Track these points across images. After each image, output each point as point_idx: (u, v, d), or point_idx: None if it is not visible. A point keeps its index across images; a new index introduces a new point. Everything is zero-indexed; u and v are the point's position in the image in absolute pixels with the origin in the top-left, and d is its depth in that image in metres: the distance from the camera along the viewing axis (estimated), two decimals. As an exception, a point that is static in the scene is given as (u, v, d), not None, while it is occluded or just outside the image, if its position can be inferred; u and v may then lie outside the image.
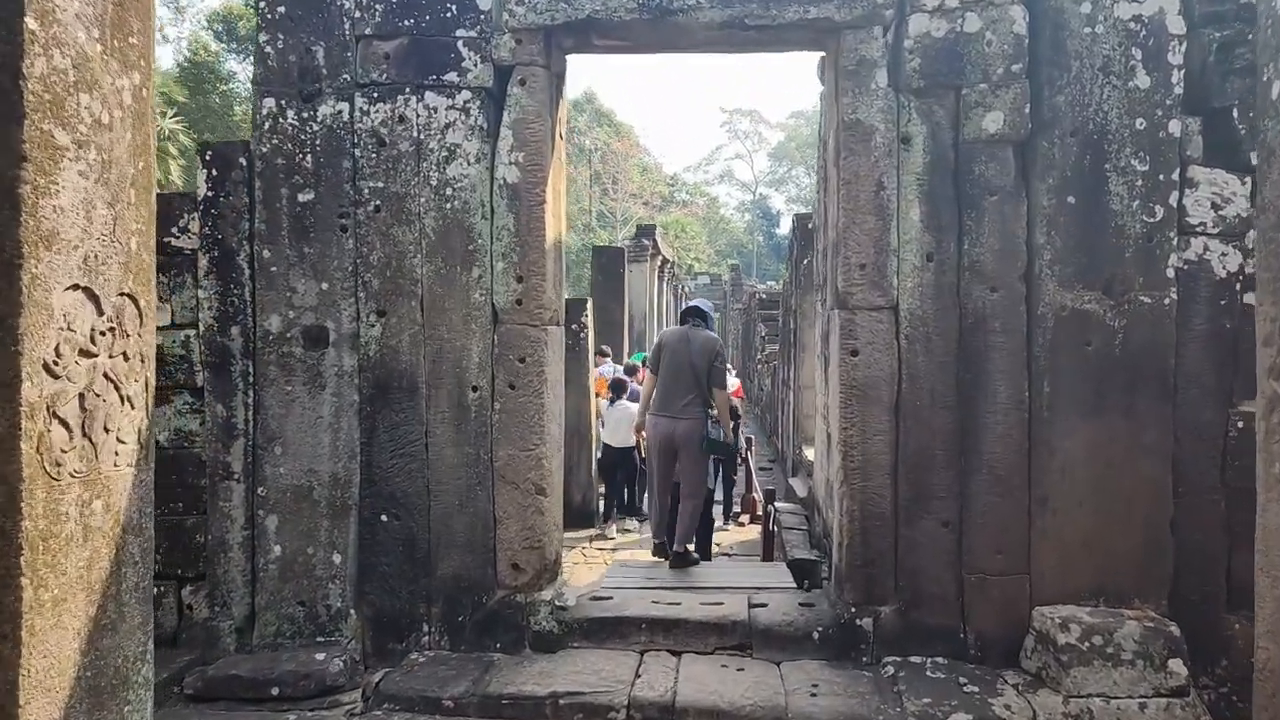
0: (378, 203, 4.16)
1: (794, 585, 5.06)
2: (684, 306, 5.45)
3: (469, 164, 4.14)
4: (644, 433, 5.56)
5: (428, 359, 4.19)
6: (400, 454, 4.21)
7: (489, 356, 4.18)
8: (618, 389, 8.73)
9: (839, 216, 4.07)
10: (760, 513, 8.91)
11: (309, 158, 4.17)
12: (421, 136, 4.15)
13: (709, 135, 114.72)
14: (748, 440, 9.39)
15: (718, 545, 7.98)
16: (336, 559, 4.22)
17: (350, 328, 4.21)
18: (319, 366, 4.22)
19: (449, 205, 4.15)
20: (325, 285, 4.20)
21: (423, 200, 4.16)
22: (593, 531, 8.47)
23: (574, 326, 8.54)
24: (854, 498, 4.04)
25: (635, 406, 7.32)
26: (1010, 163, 3.90)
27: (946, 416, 3.97)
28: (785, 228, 51.10)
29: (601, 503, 8.99)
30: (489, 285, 4.17)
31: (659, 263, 17.02)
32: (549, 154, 4.17)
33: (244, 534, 4.25)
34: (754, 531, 8.60)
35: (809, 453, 9.65)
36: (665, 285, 19.21)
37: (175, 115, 18.42)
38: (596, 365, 9.04)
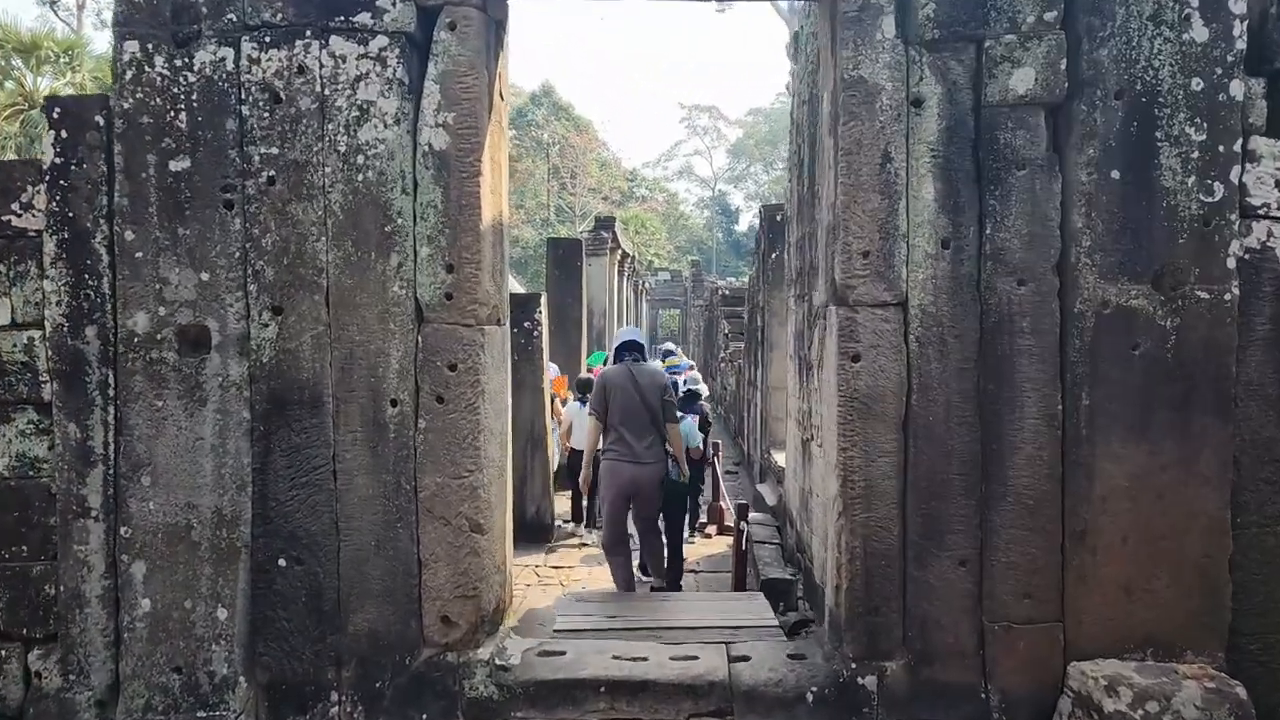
0: (271, 173, 3.32)
1: (775, 624, 4.35)
2: (616, 343, 4.97)
3: (386, 126, 3.32)
4: (586, 481, 5.39)
5: (336, 366, 3.37)
6: (302, 484, 3.38)
7: (412, 363, 3.38)
8: (585, 389, 8.05)
9: (836, 195, 3.35)
10: (728, 522, 8.23)
11: (184, 116, 3.31)
12: (326, 92, 3.32)
13: (668, 131, 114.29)
14: (714, 445, 8.69)
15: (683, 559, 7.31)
16: (222, 614, 3.38)
17: (238, 328, 3.37)
18: (198, 376, 3.37)
19: (361, 177, 3.33)
20: (206, 275, 3.35)
21: (328, 170, 3.33)
22: (548, 547, 7.75)
23: (526, 324, 7.82)
24: (854, 532, 3.32)
25: None
26: (1042, 130, 3.21)
27: (964, 435, 3.28)
28: (744, 225, 50.80)
29: (557, 513, 8.26)
30: (411, 276, 3.36)
31: (619, 257, 16.21)
32: (485, 115, 3.38)
33: (105, 584, 3.38)
34: (722, 544, 7.93)
35: (779, 458, 9.00)
36: (625, 280, 18.41)
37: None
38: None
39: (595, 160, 41.71)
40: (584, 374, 8.62)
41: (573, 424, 8.00)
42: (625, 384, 4.71)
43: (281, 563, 3.39)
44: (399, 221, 3.34)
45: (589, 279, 13.76)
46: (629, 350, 4.90)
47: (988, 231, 3.25)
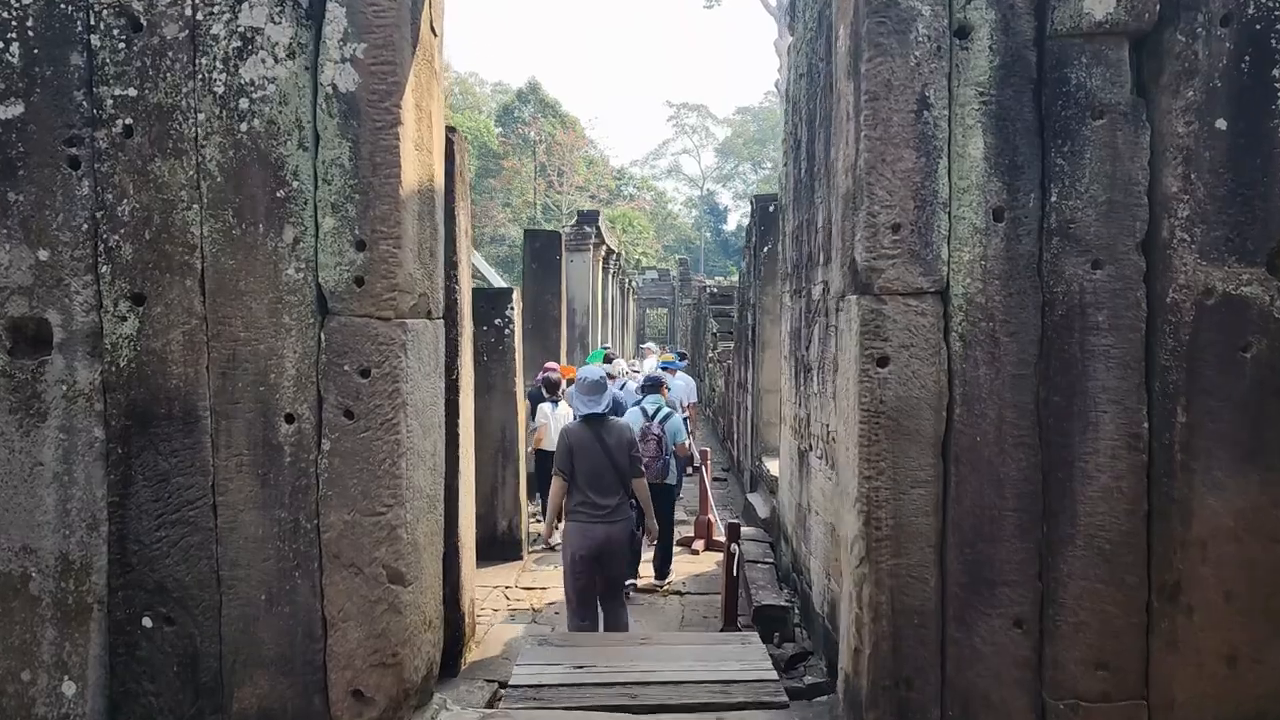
0: (128, 121, 2.54)
1: (774, 676, 3.59)
2: (578, 412, 4.61)
3: (277, 61, 2.54)
4: (556, 539, 5.00)
5: (215, 372, 2.58)
6: (172, 521, 2.59)
7: (313, 368, 2.59)
8: (552, 388, 7.36)
9: (858, 153, 2.58)
10: (716, 537, 7.48)
11: (16, 49, 2.52)
12: (199, 16, 2.53)
13: (656, 129, 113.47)
14: (702, 453, 7.94)
15: (669, 581, 6.60)
16: (69, 689, 2.59)
17: (87, 322, 2.58)
18: (36, 384, 2.57)
19: (245, 127, 2.55)
20: (45, 253, 2.56)
21: (202, 118, 2.54)
22: (519, 565, 7.01)
23: (497, 322, 7.15)
24: (880, 583, 2.56)
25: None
26: (1125, 67, 2.46)
27: (1022, 460, 2.52)
28: (733, 224, 50.10)
29: (529, 525, 7.51)
30: (312, 255, 2.57)
31: (603, 253, 15.39)
32: (407, 48, 2.59)
33: (-84, 652, 2.59)
34: (710, 560, 7.20)
35: (771, 466, 8.26)
36: (610, 278, 17.61)
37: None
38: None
39: (583, 158, 41.01)
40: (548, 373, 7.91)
41: (549, 425, 7.27)
42: (590, 444, 4.38)
43: (147, 622, 2.60)
44: (295, 185, 2.56)
45: (570, 276, 13.01)
46: (593, 420, 4.52)
47: (1053, 199, 2.49)
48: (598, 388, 4.49)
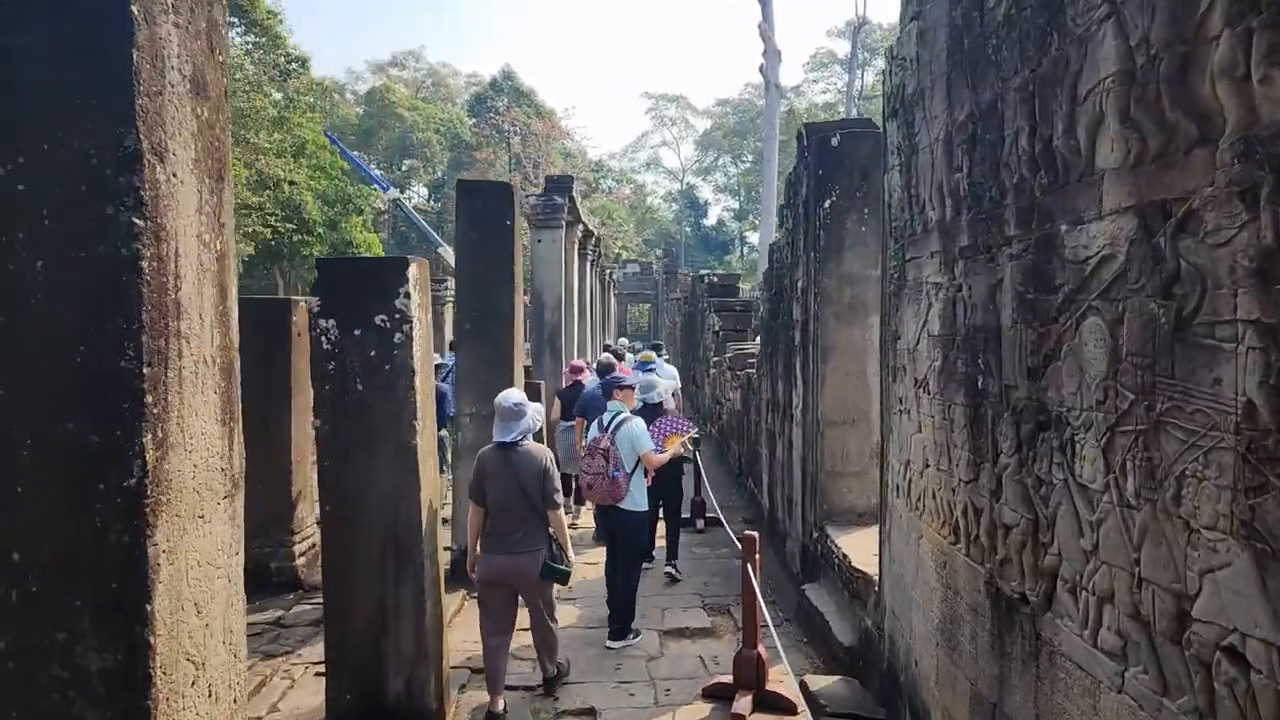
0: None
1: None
2: (495, 437, 4.05)
3: None
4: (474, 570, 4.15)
5: None
6: None
7: None
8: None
9: None
10: (769, 685, 4.06)
11: None
12: None
13: (634, 121, 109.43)
14: (747, 539, 4.45)
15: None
16: None
17: None
18: None
19: None
20: None
21: None
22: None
23: (380, 319, 3.78)
24: None
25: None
26: None
27: None
28: (713, 218, 46.69)
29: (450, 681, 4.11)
30: None
31: (579, 234, 11.84)
32: None
33: None
34: (764, 732, 3.78)
35: (848, 546, 4.84)
36: (589, 267, 14.07)
37: None
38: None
39: (559, 150, 37.39)
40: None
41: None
42: (501, 468, 4.01)
43: None
44: None
45: (538, 259, 9.47)
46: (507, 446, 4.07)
47: None
48: (513, 414, 3.98)
